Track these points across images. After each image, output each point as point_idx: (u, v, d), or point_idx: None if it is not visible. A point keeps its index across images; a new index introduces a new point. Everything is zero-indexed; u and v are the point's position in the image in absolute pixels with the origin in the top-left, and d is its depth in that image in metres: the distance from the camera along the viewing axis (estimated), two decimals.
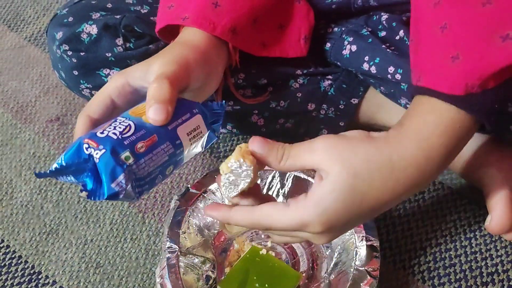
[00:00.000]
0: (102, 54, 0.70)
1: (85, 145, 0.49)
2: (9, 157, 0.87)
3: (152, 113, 0.50)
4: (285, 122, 0.78)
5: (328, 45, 0.74)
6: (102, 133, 0.50)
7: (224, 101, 0.59)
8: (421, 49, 0.51)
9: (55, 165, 0.49)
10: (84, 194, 0.49)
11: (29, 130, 0.92)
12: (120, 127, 0.51)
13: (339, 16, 0.75)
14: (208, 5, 0.62)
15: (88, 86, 0.73)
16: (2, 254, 0.75)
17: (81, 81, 0.72)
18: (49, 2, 1.22)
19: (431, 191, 0.76)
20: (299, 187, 0.71)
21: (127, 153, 0.50)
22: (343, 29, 0.73)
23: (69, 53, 0.70)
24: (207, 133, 0.57)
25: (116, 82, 0.55)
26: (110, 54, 0.69)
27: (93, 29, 0.69)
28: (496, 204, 0.65)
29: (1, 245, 0.76)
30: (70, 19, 0.70)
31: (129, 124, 0.51)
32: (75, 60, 0.70)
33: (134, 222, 0.77)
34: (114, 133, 0.50)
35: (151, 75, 0.53)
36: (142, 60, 0.68)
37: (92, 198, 0.49)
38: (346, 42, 0.72)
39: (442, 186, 0.76)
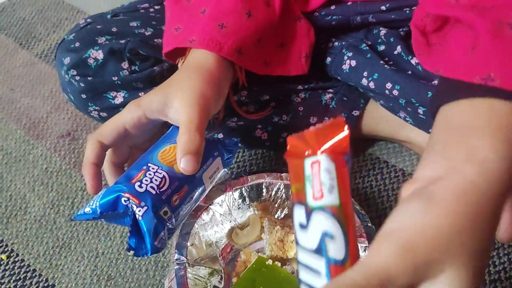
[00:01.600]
0: (108, 78, 0.72)
1: (124, 198, 0.51)
2: (23, 173, 0.90)
3: (185, 164, 0.53)
4: (288, 135, 0.80)
5: (329, 59, 0.76)
6: (140, 186, 0.52)
7: (238, 139, 0.61)
8: None
9: (88, 209, 0.52)
10: (131, 253, 0.52)
11: (41, 146, 0.94)
12: (156, 180, 0.53)
13: (340, 30, 0.77)
14: (214, 26, 0.64)
15: (96, 108, 0.75)
16: (17, 268, 0.78)
17: (89, 104, 0.75)
18: (59, 19, 1.25)
19: None
20: None
21: (165, 209, 0.53)
22: (343, 43, 0.75)
23: (77, 77, 0.72)
24: (223, 170, 0.61)
25: (133, 113, 0.57)
26: (116, 78, 0.72)
27: (99, 54, 0.71)
28: (505, 213, 0.66)
29: (16, 259, 0.79)
30: (77, 44, 0.72)
31: (163, 176, 0.54)
32: (82, 85, 0.73)
33: None
34: (152, 187, 0.53)
35: (171, 112, 0.56)
36: (147, 82, 0.71)
37: (137, 255, 0.52)
38: (345, 57, 0.74)
39: None
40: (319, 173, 0.34)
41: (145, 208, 0.51)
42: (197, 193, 0.58)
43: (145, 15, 0.78)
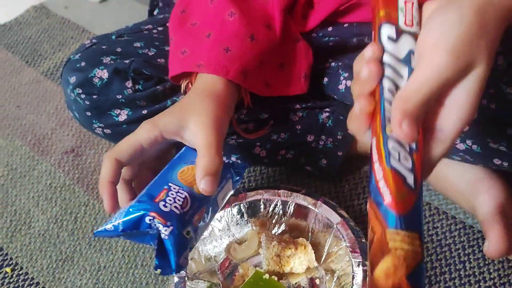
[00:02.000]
0: (113, 97, 0.74)
1: (149, 217, 0.53)
2: (27, 188, 0.92)
3: (205, 185, 0.56)
4: (286, 153, 0.82)
5: (326, 79, 0.79)
6: (165, 206, 0.54)
7: (247, 163, 0.63)
8: None
9: (110, 226, 0.53)
10: (158, 271, 0.53)
11: (46, 162, 0.97)
12: (179, 200, 0.55)
13: (337, 51, 0.79)
14: (219, 50, 0.66)
15: (100, 125, 0.77)
16: (22, 281, 0.80)
17: (94, 121, 0.77)
18: (64, 38, 1.29)
19: (427, 216, 0.79)
20: (300, 214, 0.75)
21: (188, 228, 0.55)
22: (340, 64, 0.78)
23: (82, 96, 0.75)
24: (232, 192, 0.63)
25: (149, 133, 0.59)
26: (120, 96, 0.74)
27: (104, 74, 0.73)
28: (491, 231, 0.68)
29: (20, 272, 0.81)
30: (83, 64, 0.75)
31: (185, 197, 0.56)
32: (88, 103, 0.75)
33: (144, 249, 0.81)
34: (176, 207, 0.54)
35: (187, 134, 0.59)
36: (150, 100, 0.74)
37: (162, 274, 0.54)
38: (342, 77, 0.76)
39: (437, 212, 0.80)
40: (412, 9, 0.45)
41: (171, 228, 0.53)
42: (213, 214, 0.60)
43: (148, 36, 0.80)
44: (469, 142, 0.65)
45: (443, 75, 0.41)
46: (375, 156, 0.43)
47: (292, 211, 0.75)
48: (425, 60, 0.42)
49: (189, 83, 0.70)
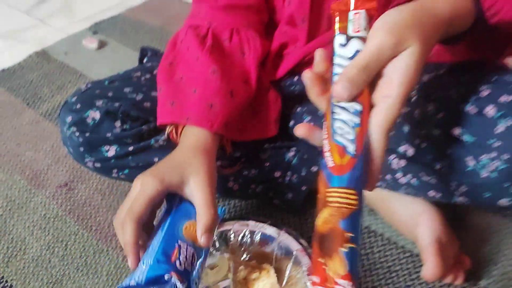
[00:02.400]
0: (103, 135, 0.82)
1: (168, 275, 0.61)
2: (24, 218, 1.00)
3: (205, 240, 0.64)
4: (256, 187, 0.92)
5: (292, 122, 0.89)
6: (180, 264, 0.62)
7: (225, 208, 0.71)
8: None
9: (133, 282, 0.61)
10: None
11: (41, 194, 1.05)
12: (188, 257, 0.63)
13: (301, 98, 0.90)
14: (205, 106, 0.76)
15: (91, 159, 0.85)
16: None
17: (86, 156, 0.85)
18: (63, 82, 1.38)
19: (379, 246, 0.88)
20: (266, 242, 0.83)
21: (196, 279, 0.64)
22: (304, 109, 0.88)
23: (77, 133, 0.83)
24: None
25: (157, 188, 0.65)
26: (110, 134, 0.83)
27: (97, 115, 0.82)
28: (428, 257, 0.77)
29: None
30: (78, 106, 0.83)
31: (193, 253, 0.64)
32: (81, 139, 0.83)
33: (126, 273, 0.89)
34: (188, 264, 0.63)
35: (187, 190, 0.67)
36: (136, 138, 0.82)
37: None
38: (305, 121, 0.86)
39: (388, 241, 0.88)
40: (359, 18, 0.53)
41: (185, 283, 0.61)
42: (206, 260, 0.69)
43: (137, 82, 0.89)
44: (409, 176, 0.74)
45: (380, 47, 0.51)
46: (324, 135, 0.53)
47: (258, 239, 0.83)
48: (368, 40, 0.52)
49: (174, 129, 0.80)
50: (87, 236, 0.96)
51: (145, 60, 1.02)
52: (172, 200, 0.70)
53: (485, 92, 0.64)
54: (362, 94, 0.52)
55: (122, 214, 0.64)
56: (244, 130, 0.82)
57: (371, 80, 0.52)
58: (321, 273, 0.52)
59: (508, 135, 0.61)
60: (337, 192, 0.51)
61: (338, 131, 0.52)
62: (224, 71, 0.79)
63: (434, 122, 0.67)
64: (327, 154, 0.52)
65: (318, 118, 0.85)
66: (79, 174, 1.09)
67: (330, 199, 0.51)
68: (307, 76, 0.54)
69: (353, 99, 0.52)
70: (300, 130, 0.56)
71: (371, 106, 0.52)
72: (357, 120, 0.52)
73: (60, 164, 1.12)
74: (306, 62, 0.86)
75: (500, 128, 0.61)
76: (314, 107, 0.87)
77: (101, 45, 1.55)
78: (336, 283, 0.51)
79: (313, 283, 0.52)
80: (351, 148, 0.51)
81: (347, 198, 0.51)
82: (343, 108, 0.52)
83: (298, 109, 0.89)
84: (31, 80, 1.40)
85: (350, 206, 0.51)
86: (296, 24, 0.86)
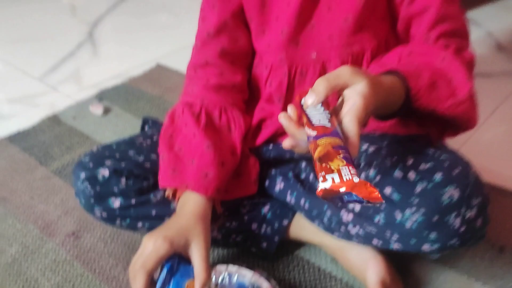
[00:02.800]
0: (111, 189, 0.98)
1: None
2: (37, 262, 1.13)
3: None
4: (236, 237, 1.08)
5: (267, 182, 1.06)
6: None
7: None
8: None
9: None
10: None
11: (52, 242, 1.18)
12: None
13: (276, 162, 1.07)
14: (201, 175, 0.93)
15: (99, 209, 1.00)
16: None
17: (95, 206, 1.00)
18: (71, 143, 1.52)
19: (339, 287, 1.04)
20: (241, 282, 0.97)
21: None
22: (277, 172, 1.05)
23: (89, 187, 0.99)
24: None
25: (168, 250, 0.84)
26: (116, 189, 0.99)
27: (106, 172, 0.98)
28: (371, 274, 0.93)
29: None
30: (91, 164, 0.99)
31: None
32: (92, 192, 0.99)
33: None
34: None
35: (190, 252, 0.86)
36: (138, 193, 0.98)
37: None
38: (278, 181, 1.04)
39: (346, 285, 1.03)
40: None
41: None
42: None
43: (139, 146, 1.05)
44: (357, 227, 0.90)
45: (340, 70, 0.68)
46: (307, 128, 0.68)
47: (235, 280, 0.98)
48: (334, 71, 0.69)
49: (171, 192, 0.97)
50: (91, 278, 1.08)
51: (146, 128, 1.20)
52: (172, 259, 0.86)
53: (410, 161, 0.82)
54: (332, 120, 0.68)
55: (136, 266, 0.82)
56: (230, 191, 0.99)
57: (331, 91, 0.68)
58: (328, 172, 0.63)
59: (424, 194, 0.79)
60: (324, 138, 0.65)
61: (314, 118, 0.68)
62: (216, 146, 0.97)
63: (373, 184, 0.84)
64: (310, 131, 0.67)
65: (287, 180, 1.02)
66: (85, 224, 1.21)
67: (319, 142, 0.64)
68: (282, 116, 0.72)
69: (319, 102, 0.68)
70: (286, 142, 0.72)
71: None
72: (327, 114, 0.68)
73: (68, 216, 1.25)
74: (280, 133, 1.04)
75: (418, 189, 0.80)
76: (285, 171, 1.06)
77: (106, 111, 1.67)
78: (340, 171, 0.61)
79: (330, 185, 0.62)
80: (328, 124, 0.67)
81: (333, 140, 0.65)
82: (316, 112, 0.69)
83: (272, 172, 1.06)
84: (44, 141, 1.53)
85: (336, 142, 0.64)
86: (273, 102, 1.04)
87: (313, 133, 0.66)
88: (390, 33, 0.96)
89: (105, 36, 2.34)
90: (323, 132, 0.66)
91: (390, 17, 0.95)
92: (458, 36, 0.90)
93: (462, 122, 0.85)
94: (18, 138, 1.57)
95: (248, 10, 1.01)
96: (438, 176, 0.79)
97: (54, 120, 1.65)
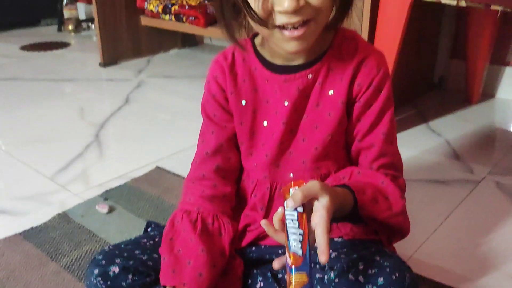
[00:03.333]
0: (120, 284, 1.14)
1: None
2: None
3: None
4: None
5: (249, 281, 1.24)
6: None
7: None
8: None
9: None
10: None
11: None
12: None
13: (258, 263, 1.26)
14: (196, 275, 1.11)
15: None
16: None
17: None
18: (79, 240, 1.65)
19: None
20: None
21: None
22: (259, 271, 1.24)
23: (101, 282, 1.15)
24: None
25: None
26: (124, 284, 1.15)
27: (116, 269, 1.15)
28: None
29: None
30: (103, 262, 1.16)
31: None
32: (104, 287, 1.15)
33: None
34: None
35: None
36: (142, 287, 1.17)
37: None
38: (258, 280, 1.22)
39: None
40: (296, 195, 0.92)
41: None
42: None
43: (144, 246, 1.23)
44: None
45: (313, 183, 0.89)
46: (286, 252, 0.87)
47: None
48: (307, 185, 0.89)
49: None
50: None
51: (149, 229, 1.40)
52: None
53: (361, 267, 1.03)
54: (302, 220, 0.88)
55: None
56: (218, 287, 1.17)
57: (305, 199, 0.89)
58: None
59: None
60: (295, 274, 0.85)
61: (291, 244, 0.87)
62: (209, 249, 1.15)
63: (332, 284, 1.04)
64: (288, 260, 0.86)
65: (266, 279, 1.21)
66: None
67: (292, 280, 0.84)
68: (264, 223, 0.94)
69: (296, 206, 0.89)
70: (276, 264, 0.94)
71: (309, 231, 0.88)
72: (301, 233, 0.87)
73: None
74: (261, 237, 1.25)
75: None
76: (265, 271, 1.26)
77: (111, 209, 1.79)
78: None
79: None
80: (299, 252, 0.86)
81: (301, 277, 0.84)
82: (293, 232, 0.88)
83: (254, 271, 1.25)
84: (54, 237, 1.63)
85: (304, 281, 0.84)
86: (257, 210, 1.25)
87: (289, 261, 0.87)
88: (347, 159, 1.22)
89: (110, 138, 2.55)
90: (295, 264, 0.86)
91: (348, 148, 1.20)
92: (394, 168, 1.18)
93: (398, 231, 1.10)
94: (31, 234, 1.66)
95: (240, 136, 1.25)
96: (380, 280, 1.00)
97: (64, 218, 1.76)
